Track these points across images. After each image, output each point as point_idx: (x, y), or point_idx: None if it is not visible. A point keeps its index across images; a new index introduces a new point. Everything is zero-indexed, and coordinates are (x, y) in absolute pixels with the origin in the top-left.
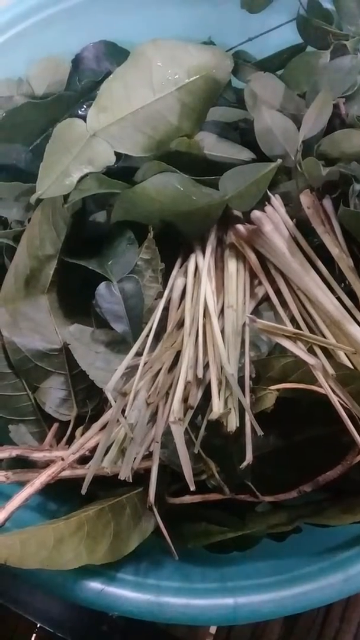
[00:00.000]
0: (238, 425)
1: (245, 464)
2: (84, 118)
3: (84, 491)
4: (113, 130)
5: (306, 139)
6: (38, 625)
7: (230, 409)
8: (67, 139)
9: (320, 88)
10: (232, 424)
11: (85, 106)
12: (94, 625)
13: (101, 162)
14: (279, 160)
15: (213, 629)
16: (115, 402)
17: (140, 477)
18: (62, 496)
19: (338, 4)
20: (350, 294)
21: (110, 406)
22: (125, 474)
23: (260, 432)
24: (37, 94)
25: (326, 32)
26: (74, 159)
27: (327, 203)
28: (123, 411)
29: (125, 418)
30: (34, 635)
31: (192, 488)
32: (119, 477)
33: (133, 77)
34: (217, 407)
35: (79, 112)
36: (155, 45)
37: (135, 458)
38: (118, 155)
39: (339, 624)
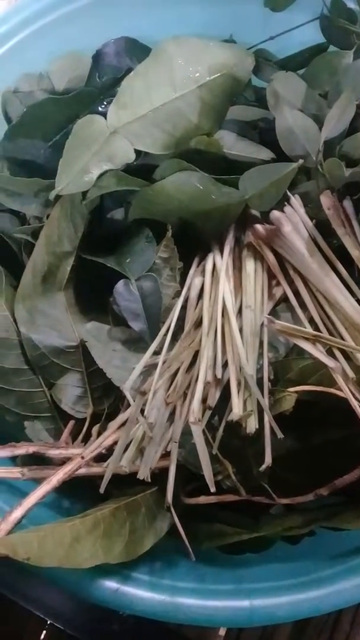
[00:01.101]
0: (257, 426)
1: (264, 466)
2: (104, 115)
3: (102, 490)
4: (133, 127)
5: (328, 139)
6: (48, 622)
7: (251, 410)
8: (87, 135)
9: (343, 88)
10: (252, 425)
11: (105, 103)
12: (104, 623)
13: (121, 159)
14: (301, 161)
15: (223, 631)
16: (134, 401)
17: (155, 477)
18: (75, 493)
19: None
20: None
21: (127, 404)
22: (144, 473)
23: (280, 435)
24: (57, 90)
25: (350, 31)
26: (93, 156)
27: (348, 204)
28: (141, 410)
29: (145, 417)
30: (44, 632)
31: (213, 489)
32: (137, 477)
33: (154, 74)
34: (237, 408)
35: (99, 109)
36: (176, 43)
37: (153, 457)
38: (137, 152)
39: (349, 628)
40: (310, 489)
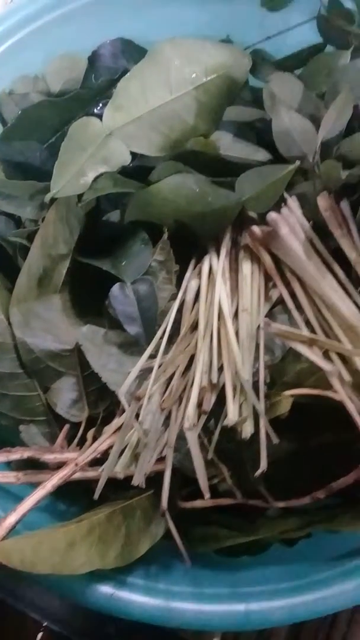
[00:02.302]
0: (253, 431)
1: (259, 471)
2: (99, 117)
3: (96, 496)
4: (129, 129)
5: (325, 140)
6: (44, 625)
7: (246, 416)
8: (82, 137)
9: (340, 89)
10: (247, 430)
11: (101, 104)
12: (101, 626)
13: (116, 161)
14: (298, 162)
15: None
16: (129, 405)
17: (150, 480)
18: (69, 497)
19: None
20: None
21: (123, 409)
22: (138, 480)
23: (276, 440)
24: (53, 91)
25: (347, 32)
26: (89, 158)
27: (345, 206)
28: (137, 415)
29: (140, 423)
30: (40, 634)
31: (207, 496)
32: (132, 484)
33: (150, 75)
34: (232, 413)
35: (95, 111)
36: (172, 44)
37: (148, 463)
38: (133, 154)
39: (346, 627)
40: (306, 492)
